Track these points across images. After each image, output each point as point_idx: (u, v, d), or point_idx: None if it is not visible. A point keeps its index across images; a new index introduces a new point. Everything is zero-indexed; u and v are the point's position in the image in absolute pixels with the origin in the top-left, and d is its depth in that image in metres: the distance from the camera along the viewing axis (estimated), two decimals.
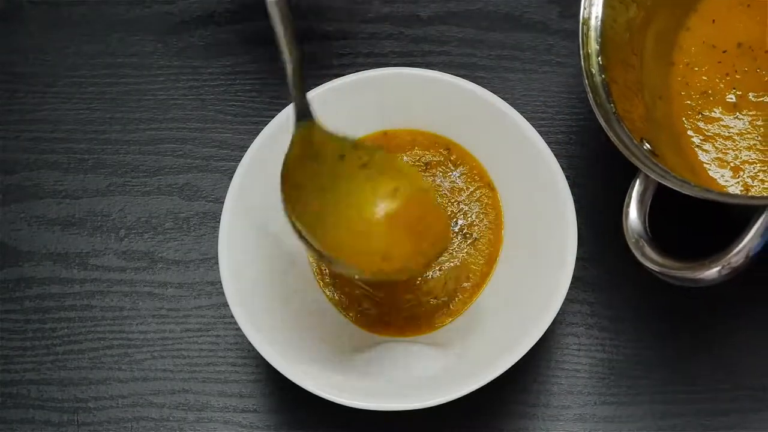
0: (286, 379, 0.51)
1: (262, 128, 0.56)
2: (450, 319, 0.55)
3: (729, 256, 0.45)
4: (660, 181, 0.48)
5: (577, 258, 0.51)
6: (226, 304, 0.53)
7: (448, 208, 0.56)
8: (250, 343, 0.52)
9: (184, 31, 0.65)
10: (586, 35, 0.52)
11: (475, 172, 0.57)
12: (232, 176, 0.55)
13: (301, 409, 0.56)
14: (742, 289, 0.56)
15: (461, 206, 0.56)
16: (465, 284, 0.55)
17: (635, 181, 0.49)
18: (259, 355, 0.51)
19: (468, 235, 0.56)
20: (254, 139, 0.55)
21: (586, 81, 0.51)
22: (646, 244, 0.48)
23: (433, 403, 0.50)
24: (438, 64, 0.62)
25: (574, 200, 0.53)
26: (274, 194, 0.56)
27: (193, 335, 0.58)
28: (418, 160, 0.57)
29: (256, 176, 0.55)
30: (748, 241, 0.45)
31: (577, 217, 0.52)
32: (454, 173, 0.57)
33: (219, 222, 0.54)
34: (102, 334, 0.58)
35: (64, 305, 0.59)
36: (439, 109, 0.57)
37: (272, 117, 0.56)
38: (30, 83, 0.64)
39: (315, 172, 0.50)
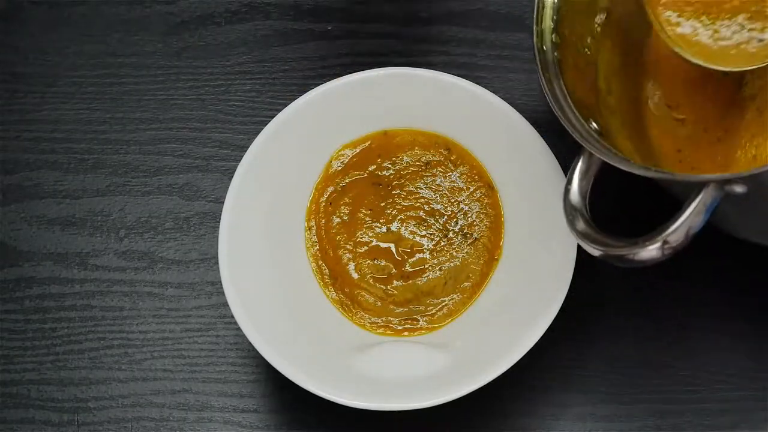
0: (286, 379, 0.51)
1: (262, 128, 0.56)
2: (450, 319, 0.55)
3: (666, 233, 0.44)
4: (602, 158, 0.47)
5: (577, 258, 0.51)
6: (226, 304, 0.53)
7: (448, 208, 0.56)
8: (250, 343, 0.52)
9: (184, 31, 0.65)
10: (541, 13, 0.52)
11: (475, 172, 0.57)
12: (232, 176, 0.55)
13: (301, 409, 0.56)
14: (743, 292, 0.56)
15: (461, 206, 0.56)
16: (465, 284, 0.55)
17: (578, 160, 0.49)
18: (259, 355, 0.51)
19: (468, 235, 0.56)
20: (254, 139, 0.55)
21: (537, 57, 0.51)
22: (584, 224, 0.47)
23: (433, 403, 0.50)
24: (438, 64, 0.62)
25: None
26: (274, 194, 0.56)
27: (193, 335, 0.58)
28: (418, 160, 0.57)
29: (256, 176, 0.55)
30: (686, 219, 0.44)
31: None
32: (454, 173, 0.57)
33: (219, 222, 0.54)
34: (102, 334, 0.58)
35: (64, 305, 0.59)
36: (439, 109, 0.57)
37: (272, 117, 0.56)
38: (30, 83, 0.64)
39: None
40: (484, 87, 0.56)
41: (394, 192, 0.57)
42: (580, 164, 0.49)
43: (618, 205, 0.55)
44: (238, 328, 0.52)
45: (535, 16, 0.52)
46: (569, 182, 0.49)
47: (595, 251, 0.46)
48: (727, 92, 0.53)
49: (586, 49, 0.53)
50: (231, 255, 0.53)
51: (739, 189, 0.44)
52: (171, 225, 0.60)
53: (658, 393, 0.55)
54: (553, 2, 0.52)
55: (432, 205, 0.56)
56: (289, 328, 0.53)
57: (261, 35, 0.64)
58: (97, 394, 0.57)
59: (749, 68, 0.49)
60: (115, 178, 0.62)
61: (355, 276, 0.56)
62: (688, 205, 0.44)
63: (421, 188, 0.57)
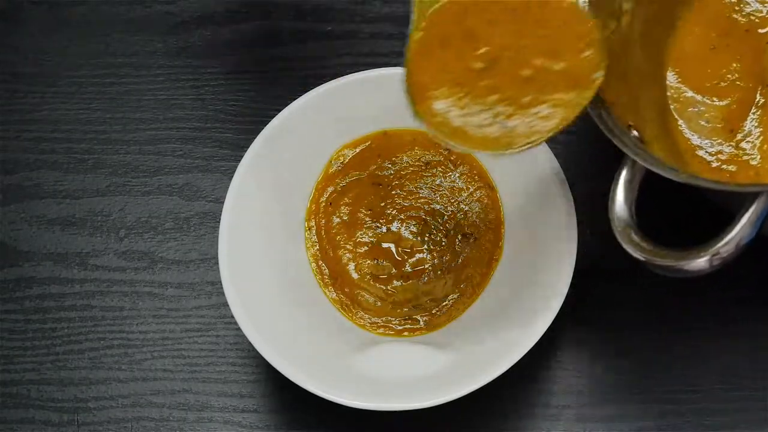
0: (286, 379, 0.51)
1: (262, 128, 0.56)
2: (450, 320, 0.54)
3: (718, 245, 0.44)
4: (649, 167, 0.47)
5: (577, 258, 0.51)
6: (226, 304, 0.53)
7: (448, 208, 0.56)
8: (250, 343, 0.52)
9: (184, 31, 0.65)
10: None
11: (475, 172, 0.57)
12: (232, 176, 0.55)
13: (301, 409, 0.56)
14: (743, 291, 0.56)
15: (461, 206, 0.56)
16: (465, 284, 0.55)
17: (622, 168, 0.48)
18: (259, 355, 0.51)
19: (468, 235, 0.56)
20: (254, 138, 0.55)
21: None
22: (632, 232, 0.47)
23: (433, 403, 0.50)
24: None
25: (574, 200, 0.53)
26: (274, 194, 0.56)
27: (193, 335, 0.58)
28: (418, 160, 0.57)
29: (256, 176, 0.55)
30: (738, 231, 0.44)
31: (577, 217, 0.52)
32: (454, 173, 0.57)
33: (219, 222, 0.54)
34: (102, 334, 0.58)
35: (64, 305, 0.59)
36: None
37: (272, 117, 0.56)
38: (30, 83, 0.64)
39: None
40: None
41: (393, 192, 0.57)
42: (624, 173, 0.48)
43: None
44: (238, 328, 0.52)
45: None
46: (613, 192, 0.48)
47: (643, 260, 0.46)
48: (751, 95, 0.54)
49: (617, 55, 0.53)
50: (231, 255, 0.53)
51: None
52: (171, 225, 0.61)
53: (658, 393, 0.55)
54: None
55: (432, 206, 0.56)
56: (289, 328, 0.53)
57: (261, 35, 0.64)
58: (97, 394, 0.57)
59: (489, 152, 0.49)
60: (115, 178, 0.62)
61: (355, 276, 0.56)
62: (742, 216, 0.44)
63: (421, 188, 0.57)
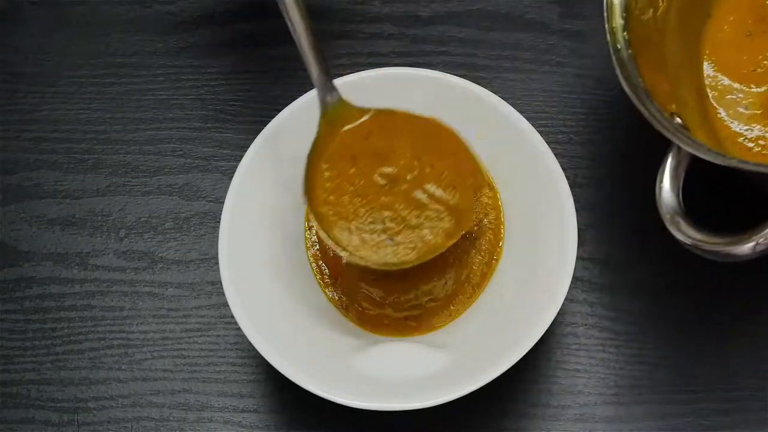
0: (286, 379, 0.51)
1: (263, 128, 0.56)
2: (450, 319, 0.55)
3: (765, 231, 0.45)
4: (694, 153, 0.48)
5: (577, 258, 0.51)
6: (226, 304, 0.53)
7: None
8: (250, 343, 0.52)
9: (184, 31, 0.65)
10: (611, 9, 0.52)
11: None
12: (232, 176, 0.55)
13: (301, 409, 0.56)
14: (743, 291, 0.56)
15: None
16: (465, 284, 0.55)
17: (668, 156, 0.49)
18: (259, 355, 0.51)
19: (468, 235, 0.56)
20: (254, 138, 0.55)
21: (614, 56, 0.51)
22: (681, 219, 0.48)
23: (433, 403, 0.50)
24: (438, 64, 0.62)
25: (574, 200, 0.53)
26: (274, 194, 0.56)
27: (193, 335, 0.58)
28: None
29: (257, 176, 0.55)
30: None
31: (577, 217, 0.52)
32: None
33: (219, 222, 0.54)
34: (102, 334, 0.58)
35: (64, 305, 0.59)
36: (439, 109, 0.57)
37: (272, 117, 0.56)
38: (30, 83, 0.64)
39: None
40: (484, 87, 0.56)
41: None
42: (669, 160, 0.49)
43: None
44: (238, 328, 0.52)
45: (605, 13, 0.52)
46: (661, 180, 0.49)
47: (691, 246, 0.47)
48: None
49: (655, 42, 0.53)
50: (231, 255, 0.53)
51: None
52: (171, 225, 0.61)
53: (658, 393, 0.55)
54: (621, 0, 0.52)
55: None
56: (289, 328, 0.53)
57: (261, 35, 0.64)
58: (97, 394, 0.57)
59: (381, 268, 0.51)
60: (115, 178, 0.62)
61: (356, 276, 0.56)
62: None
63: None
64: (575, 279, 0.52)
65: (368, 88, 0.56)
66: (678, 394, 0.55)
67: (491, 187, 0.56)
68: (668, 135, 0.48)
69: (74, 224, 0.61)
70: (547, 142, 0.54)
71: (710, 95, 0.56)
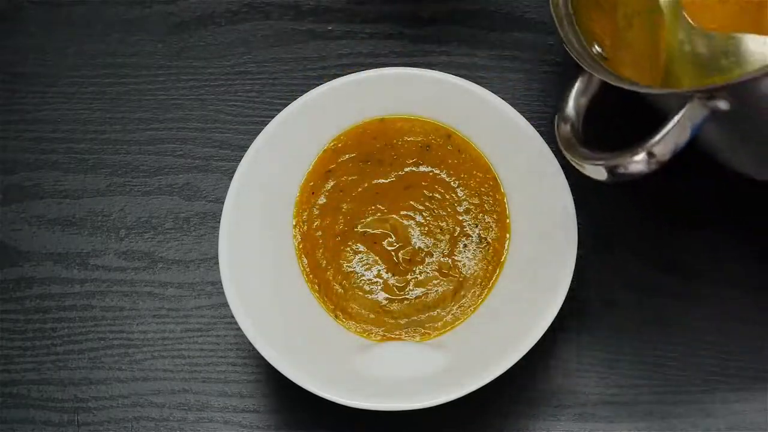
0: (286, 379, 0.51)
1: (263, 128, 0.56)
2: (452, 327, 0.54)
3: (650, 143, 0.46)
4: (604, 79, 0.49)
5: (577, 258, 0.51)
6: (226, 304, 0.53)
7: (451, 213, 0.56)
8: (250, 343, 0.52)
9: (184, 31, 0.65)
10: None
11: (476, 170, 0.57)
12: (232, 176, 0.55)
13: (301, 409, 0.56)
14: (744, 292, 0.56)
15: (462, 207, 0.56)
16: (467, 285, 0.55)
17: (575, 82, 0.51)
18: (259, 355, 0.51)
19: (470, 237, 0.56)
20: (254, 139, 0.55)
21: None
22: (576, 142, 0.49)
23: (433, 403, 0.50)
24: (438, 64, 0.62)
25: (574, 200, 0.53)
26: (274, 194, 0.56)
27: (194, 335, 0.58)
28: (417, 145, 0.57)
29: (257, 176, 0.55)
30: (669, 130, 0.45)
31: (577, 217, 0.52)
32: (455, 181, 0.57)
33: (219, 222, 0.54)
34: (102, 334, 0.58)
35: (64, 305, 0.59)
36: (439, 109, 0.57)
37: (272, 117, 0.56)
38: (30, 83, 0.64)
39: None
40: (484, 87, 0.56)
41: (396, 194, 0.57)
42: (577, 84, 0.51)
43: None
44: (238, 328, 0.52)
45: None
46: (565, 99, 0.50)
47: (585, 165, 0.48)
48: None
49: None
50: (231, 255, 0.53)
51: (722, 105, 0.45)
52: (171, 225, 0.60)
53: (658, 393, 0.55)
54: None
55: (436, 211, 0.56)
56: (289, 328, 0.53)
57: (261, 35, 0.64)
58: (97, 394, 0.57)
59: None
60: (115, 178, 0.62)
61: (358, 291, 0.56)
62: (672, 117, 0.46)
63: (424, 194, 0.57)
64: (575, 279, 0.52)
65: (368, 88, 0.56)
66: (678, 394, 0.55)
67: (499, 190, 0.56)
68: (577, 58, 0.50)
69: (74, 224, 0.61)
70: (547, 142, 0.54)
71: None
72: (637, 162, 0.46)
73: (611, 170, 0.47)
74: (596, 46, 0.51)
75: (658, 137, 0.46)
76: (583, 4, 0.52)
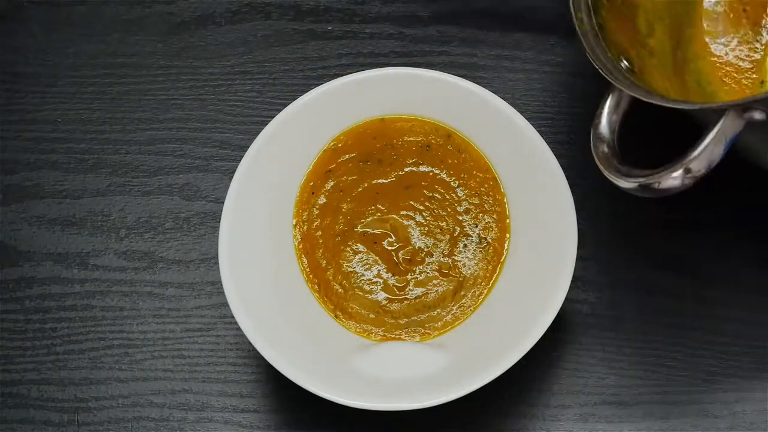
0: (286, 379, 0.51)
1: (263, 128, 0.56)
2: (450, 320, 0.54)
3: (687, 160, 0.45)
4: (631, 93, 0.49)
5: (577, 258, 0.51)
6: (226, 304, 0.53)
7: (452, 216, 0.56)
8: (250, 343, 0.52)
9: (184, 31, 0.65)
10: None
11: (475, 169, 0.57)
12: (232, 176, 0.55)
13: (301, 409, 0.56)
14: (744, 292, 0.56)
15: (463, 207, 0.56)
16: (467, 285, 0.55)
17: (607, 95, 0.50)
18: (259, 355, 0.51)
19: (470, 236, 0.56)
20: (254, 139, 0.55)
21: None
22: (613, 157, 0.49)
23: (433, 403, 0.50)
24: (438, 64, 0.62)
25: (574, 200, 0.53)
26: (275, 194, 0.56)
27: (194, 335, 0.58)
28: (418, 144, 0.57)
29: (257, 176, 0.55)
30: (706, 146, 0.45)
31: (577, 217, 0.52)
32: (455, 182, 0.57)
33: (219, 222, 0.54)
34: (102, 334, 0.58)
35: (64, 305, 0.59)
36: (439, 109, 0.57)
37: (272, 117, 0.56)
38: (30, 83, 0.64)
39: None
40: (484, 87, 0.56)
41: (396, 193, 0.57)
42: (609, 100, 0.50)
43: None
44: (238, 328, 0.52)
45: None
46: (598, 117, 0.50)
47: (621, 182, 0.48)
48: None
49: None
50: (231, 255, 0.53)
51: (758, 116, 0.45)
52: (171, 225, 0.61)
53: (659, 394, 0.55)
54: None
55: (436, 211, 0.56)
56: (289, 328, 0.53)
57: (261, 35, 0.64)
58: (97, 394, 0.57)
59: None
60: (115, 178, 0.62)
61: (358, 292, 0.56)
62: (708, 133, 0.45)
63: (424, 194, 0.57)
64: (575, 279, 0.52)
65: (368, 88, 0.56)
66: (678, 394, 0.55)
67: (499, 190, 0.56)
68: (607, 74, 0.49)
69: (74, 224, 0.61)
70: (546, 142, 0.54)
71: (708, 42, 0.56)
72: (674, 178, 0.46)
73: (647, 187, 0.47)
74: (624, 61, 0.51)
75: (695, 153, 0.45)
76: (605, 14, 0.52)
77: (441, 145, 0.57)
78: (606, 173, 0.48)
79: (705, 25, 0.57)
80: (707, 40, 0.57)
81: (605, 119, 0.50)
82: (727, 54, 0.57)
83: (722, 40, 0.57)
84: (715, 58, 0.57)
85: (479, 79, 0.61)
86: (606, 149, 0.49)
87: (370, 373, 0.52)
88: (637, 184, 0.47)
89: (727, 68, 0.57)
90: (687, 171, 0.46)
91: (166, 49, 0.64)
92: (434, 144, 0.57)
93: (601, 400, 0.55)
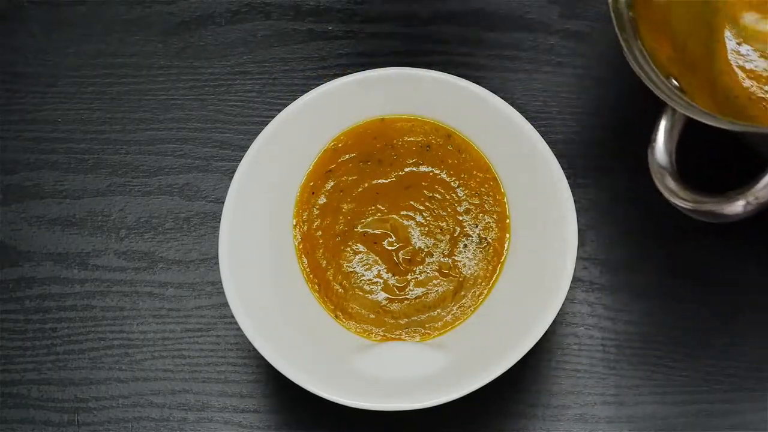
0: (286, 379, 0.51)
1: (263, 128, 0.56)
2: (450, 320, 0.54)
3: (755, 189, 0.45)
4: (687, 115, 0.48)
5: (577, 258, 0.51)
6: (226, 304, 0.53)
7: (452, 215, 0.56)
8: (250, 343, 0.52)
9: (184, 31, 0.65)
10: None
11: (475, 167, 0.57)
12: (232, 176, 0.55)
13: (301, 409, 0.56)
14: (744, 293, 0.56)
15: (463, 208, 0.56)
16: (467, 285, 0.55)
17: (661, 118, 0.49)
18: (260, 355, 0.51)
19: (470, 237, 0.56)
20: (254, 139, 0.55)
21: (614, 17, 0.51)
22: (672, 180, 0.48)
23: (433, 403, 0.50)
24: (438, 64, 0.62)
25: (574, 200, 0.53)
26: (275, 194, 0.56)
27: (194, 335, 0.58)
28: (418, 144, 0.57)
29: (257, 176, 0.55)
30: None
31: (577, 217, 0.52)
32: (455, 182, 0.57)
33: (219, 222, 0.54)
34: (102, 334, 0.58)
35: (64, 305, 0.59)
36: (439, 109, 0.57)
37: (272, 117, 0.56)
38: (30, 83, 0.64)
39: None
40: (484, 87, 0.56)
41: (396, 193, 0.57)
42: (663, 122, 0.49)
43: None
44: (238, 328, 0.52)
45: None
46: (654, 140, 0.49)
47: (681, 206, 0.47)
48: None
49: (659, 5, 0.53)
50: (231, 255, 0.53)
51: None
52: (171, 225, 0.61)
53: (658, 394, 0.55)
54: None
55: (436, 211, 0.56)
56: (289, 328, 0.53)
57: (261, 35, 0.64)
58: (97, 394, 0.57)
59: None
60: (115, 178, 0.62)
61: (358, 292, 0.56)
62: None
63: (424, 194, 0.57)
64: (575, 279, 0.52)
65: (368, 88, 0.56)
66: (678, 394, 0.55)
67: (499, 190, 0.56)
68: (662, 96, 0.49)
69: (74, 224, 0.61)
70: (546, 142, 0.54)
71: (731, 59, 0.56)
72: (738, 206, 0.45)
73: (710, 214, 0.46)
74: (673, 80, 0.51)
75: (761, 184, 0.45)
76: (644, 33, 0.51)
77: (441, 145, 0.57)
78: (669, 198, 0.48)
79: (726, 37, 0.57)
80: (730, 56, 0.57)
81: (662, 141, 0.49)
82: (753, 65, 0.56)
83: (744, 52, 0.57)
84: (740, 71, 0.56)
85: (479, 79, 0.61)
86: (666, 174, 0.48)
87: (370, 373, 0.52)
88: (702, 210, 0.46)
89: (752, 80, 0.56)
90: (753, 199, 0.45)
91: (166, 49, 0.64)
92: (434, 144, 0.57)
93: (601, 400, 0.55)
